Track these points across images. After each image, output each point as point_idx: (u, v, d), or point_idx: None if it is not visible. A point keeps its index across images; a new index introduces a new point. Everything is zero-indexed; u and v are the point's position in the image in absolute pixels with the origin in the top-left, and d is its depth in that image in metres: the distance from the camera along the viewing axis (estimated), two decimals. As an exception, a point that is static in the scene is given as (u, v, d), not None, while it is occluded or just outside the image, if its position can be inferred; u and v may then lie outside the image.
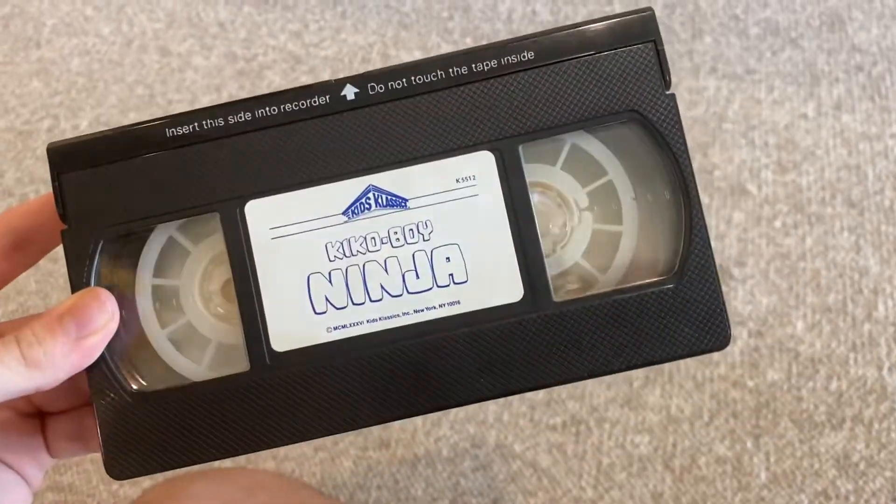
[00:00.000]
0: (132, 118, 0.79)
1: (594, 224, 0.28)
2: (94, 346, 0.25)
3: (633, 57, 0.27)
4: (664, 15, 0.78)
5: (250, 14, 0.86)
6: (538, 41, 0.27)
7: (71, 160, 0.26)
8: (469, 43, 0.79)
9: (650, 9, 0.28)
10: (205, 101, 0.79)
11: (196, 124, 0.27)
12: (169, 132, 0.27)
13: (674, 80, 0.74)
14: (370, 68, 0.79)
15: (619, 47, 0.27)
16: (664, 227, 0.27)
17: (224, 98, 0.79)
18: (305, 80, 0.79)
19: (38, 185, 0.74)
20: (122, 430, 0.26)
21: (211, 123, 0.27)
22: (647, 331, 0.26)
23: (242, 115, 0.27)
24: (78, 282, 0.27)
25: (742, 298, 0.59)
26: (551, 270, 0.27)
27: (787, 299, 0.58)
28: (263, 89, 0.79)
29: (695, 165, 0.68)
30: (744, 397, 0.50)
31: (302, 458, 0.54)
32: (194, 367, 0.27)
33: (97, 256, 0.27)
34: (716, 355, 0.55)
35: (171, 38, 0.86)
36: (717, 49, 0.76)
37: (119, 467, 0.26)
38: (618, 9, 0.80)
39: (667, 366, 0.55)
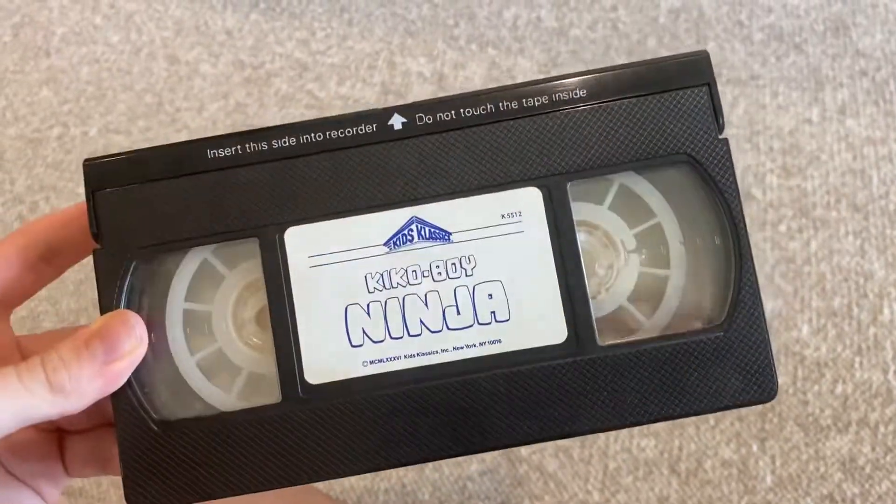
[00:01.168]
0: (141, 126, 0.79)
1: (641, 267, 0.27)
2: (121, 371, 0.25)
3: (687, 99, 0.27)
4: (668, 21, 0.79)
5: (257, 22, 0.87)
6: (591, 79, 0.27)
7: (107, 177, 0.26)
8: (474, 49, 0.80)
9: (705, 52, 0.27)
10: (213, 109, 0.79)
11: (238, 147, 0.26)
12: (210, 154, 0.26)
13: (678, 85, 0.74)
14: (376, 76, 0.80)
15: (673, 89, 0.27)
16: (712, 274, 0.27)
17: (231, 105, 0.79)
18: (312, 87, 0.79)
19: (48, 192, 0.75)
20: (144, 459, 0.25)
21: (254, 147, 0.26)
22: (691, 380, 0.25)
23: (287, 139, 0.26)
24: (108, 304, 0.26)
25: (747, 302, 0.59)
26: (595, 313, 0.26)
27: (792, 303, 0.58)
28: (271, 97, 0.80)
29: (699, 170, 0.68)
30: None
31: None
32: (223, 396, 0.26)
33: (128, 278, 0.26)
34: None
35: (178, 46, 0.86)
36: (721, 55, 0.76)
37: (139, 498, 0.25)
38: (622, 16, 0.80)
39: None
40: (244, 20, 0.87)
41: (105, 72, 0.85)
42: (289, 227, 0.26)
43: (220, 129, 0.78)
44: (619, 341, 0.26)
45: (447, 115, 0.27)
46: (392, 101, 0.77)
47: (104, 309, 0.26)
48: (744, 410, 0.53)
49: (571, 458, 0.53)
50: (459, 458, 0.54)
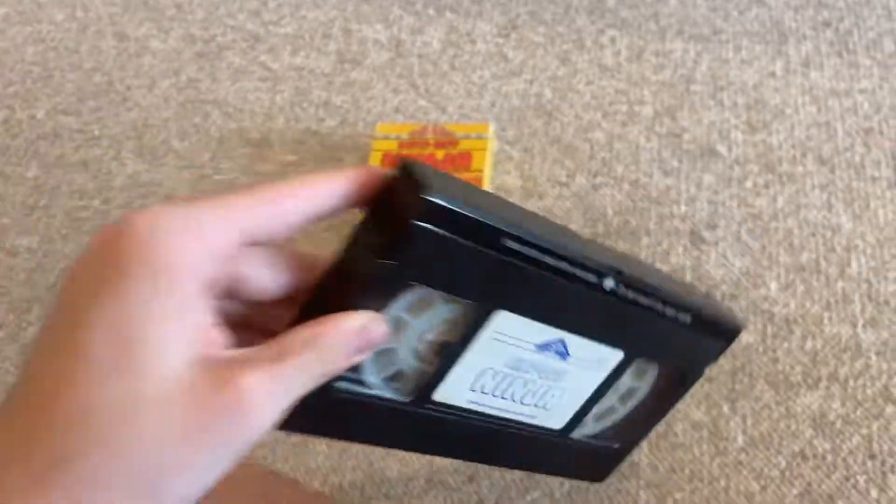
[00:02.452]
0: (91, 106, 0.77)
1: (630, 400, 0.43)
2: (361, 359, 0.29)
3: (714, 345, 0.42)
4: (629, -22, 0.77)
5: (207, -6, 0.84)
6: (696, 309, 0.39)
7: (435, 218, 0.28)
8: (432, 14, 0.78)
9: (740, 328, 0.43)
10: (164, 86, 0.77)
11: (528, 252, 0.31)
12: (503, 241, 0.30)
13: (640, 43, 0.73)
14: (331, 44, 0.77)
15: (722, 339, 0.42)
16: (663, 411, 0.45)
17: (182, 81, 0.77)
18: (265, 59, 0.77)
19: (-5, 178, 0.73)
20: (311, 406, 0.28)
21: (526, 253, 0.31)
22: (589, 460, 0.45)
23: (545, 257, 0.31)
24: (375, 308, 0.29)
25: (714, 262, 0.58)
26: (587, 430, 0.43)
27: (759, 260, 0.57)
28: (223, 70, 0.77)
29: (663, 130, 0.67)
30: (719, 361, 0.49)
31: (275, 444, 0.53)
32: (382, 386, 0.33)
33: (398, 298, 0.30)
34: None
35: (127, 23, 0.83)
36: (683, 11, 0.75)
37: (292, 422, 0.29)
38: (582, -26, 0.78)
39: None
40: (193, -8, 0.84)
41: (51, 51, 0.82)
42: (503, 310, 0.32)
43: (173, 107, 0.75)
44: (579, 437, 0.42)
45: (644, 299, 0.35)
46: (349, 70, 0.75)
47: (368, 308, 0.29)
48: (714, 370, 0.53)
49: (540, 426, 0.52)
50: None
